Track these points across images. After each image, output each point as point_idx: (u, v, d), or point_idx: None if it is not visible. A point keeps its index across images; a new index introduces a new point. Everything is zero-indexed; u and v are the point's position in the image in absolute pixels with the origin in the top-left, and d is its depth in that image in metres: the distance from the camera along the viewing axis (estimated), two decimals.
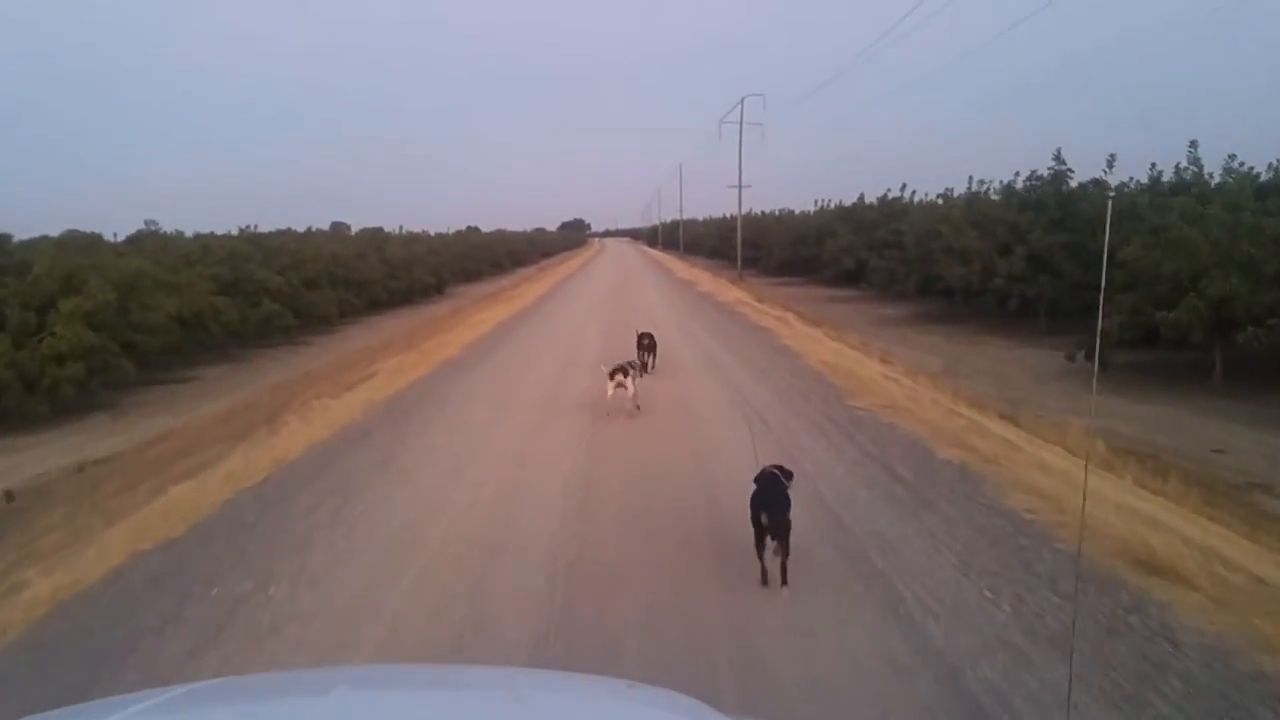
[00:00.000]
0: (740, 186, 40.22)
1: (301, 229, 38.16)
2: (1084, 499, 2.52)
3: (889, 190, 31.32)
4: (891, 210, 29.50)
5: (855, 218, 31.69)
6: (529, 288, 32.19)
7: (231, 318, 20.76)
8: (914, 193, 30.64)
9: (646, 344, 11.14)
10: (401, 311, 32.29)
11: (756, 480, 4.27)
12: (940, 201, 25.44)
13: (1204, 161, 16.54)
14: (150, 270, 17.02)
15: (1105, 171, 17.23)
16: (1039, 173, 18.38)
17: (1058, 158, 17.68)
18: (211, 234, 28.68)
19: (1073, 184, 18.14)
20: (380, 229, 48.29)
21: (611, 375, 7.99)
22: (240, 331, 22.10)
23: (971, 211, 19.85)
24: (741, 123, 38.55)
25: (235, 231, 30.64)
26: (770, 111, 79.70)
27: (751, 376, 10.85)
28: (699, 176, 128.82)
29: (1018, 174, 20.74)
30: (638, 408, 8.21)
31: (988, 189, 21.19)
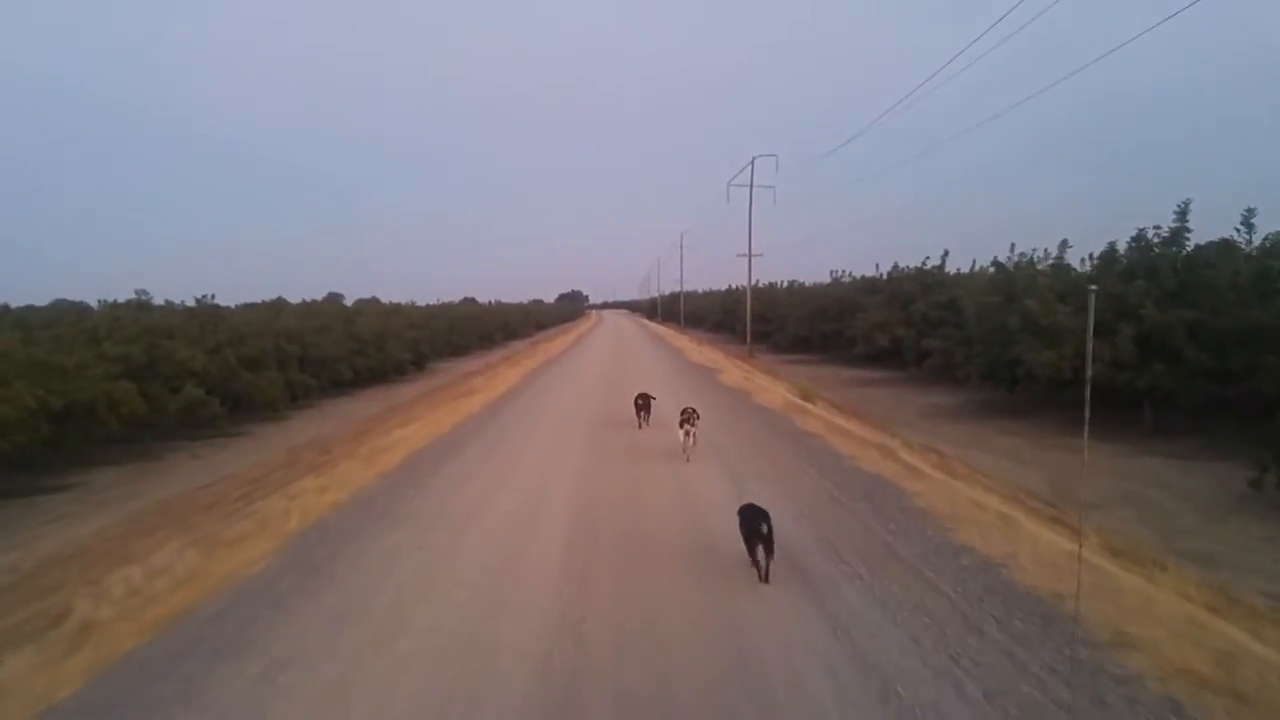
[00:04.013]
0: (750, 255, 36.92)
1: (296, 300, 34.86)
2: None
3: (926, 259, 27.49)
4: (932, 281, 25.79)
5: (887, 289, 27.93)
6: (504, 372, 26.22)
7: (137, 408, 16.72)
8: (945, 258, 27.03)
9: (641, 404, 12.44)
10: (369, 393, 28.53)
11: (742, 511, 5.98)
12: (993, 270, 21.73)
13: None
14: (10, 351, 13.04)
15: (1239, 230, 13.48)
16: (1145, 232, 14.56)
17: (1180, 214, 13.82)
18: (116, 301, 25.15)
19: (1189, 245, 14.32)
20: (376, 299, 46.04)
21: (681, 425, 10.10)
22: (155, 422, 18.13)
23: (1058, 281, 15.85)
24: (751, 185, 35.56)
25: (194, 301, 27.61)
26: (779, 174, 77.72)
27: None
28: (700, 247, 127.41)
29: (1062, 244, 17.21)
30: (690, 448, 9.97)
31: (1066, 253, 17.23)
